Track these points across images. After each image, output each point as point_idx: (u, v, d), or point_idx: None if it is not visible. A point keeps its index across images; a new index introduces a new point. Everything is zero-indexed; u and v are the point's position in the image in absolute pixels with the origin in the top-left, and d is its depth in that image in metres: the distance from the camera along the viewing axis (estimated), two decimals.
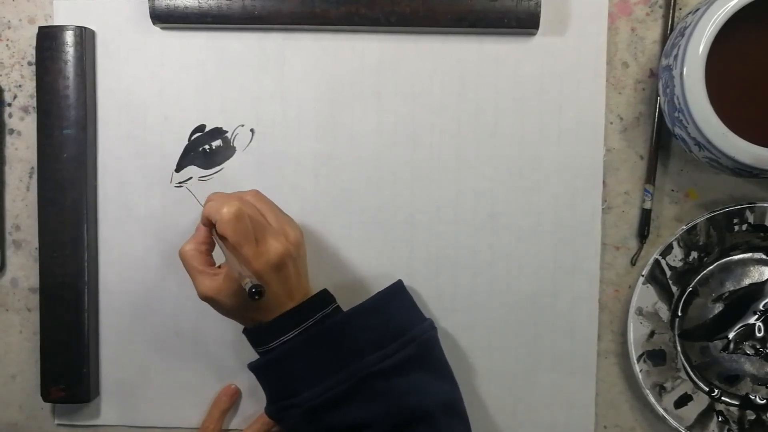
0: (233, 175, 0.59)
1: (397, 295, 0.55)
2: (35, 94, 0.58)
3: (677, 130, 0.52)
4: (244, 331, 0.53)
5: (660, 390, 0.57)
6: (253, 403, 0.60)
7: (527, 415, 0.59)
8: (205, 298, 0.50)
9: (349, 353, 0.50)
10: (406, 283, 0.57)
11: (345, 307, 0.53)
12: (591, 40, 0.57)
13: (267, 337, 0.51)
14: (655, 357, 0.57)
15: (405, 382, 0.50)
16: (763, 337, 0.57)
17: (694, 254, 0.57)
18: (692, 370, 0.58)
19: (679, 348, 0.58)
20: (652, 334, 0.57)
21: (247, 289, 0.44)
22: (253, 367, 0.53)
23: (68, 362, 0.58)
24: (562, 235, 0.58)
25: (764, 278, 0.58)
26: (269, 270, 0.49)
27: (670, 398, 0.57)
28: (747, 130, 0.49)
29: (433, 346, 0.54)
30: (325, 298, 0.53)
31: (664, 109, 0.53)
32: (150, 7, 0.56)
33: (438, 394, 0.51)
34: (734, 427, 0.57)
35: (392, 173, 0.59)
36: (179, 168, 0.59)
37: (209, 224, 0.50)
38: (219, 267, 0.52)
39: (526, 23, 0.55)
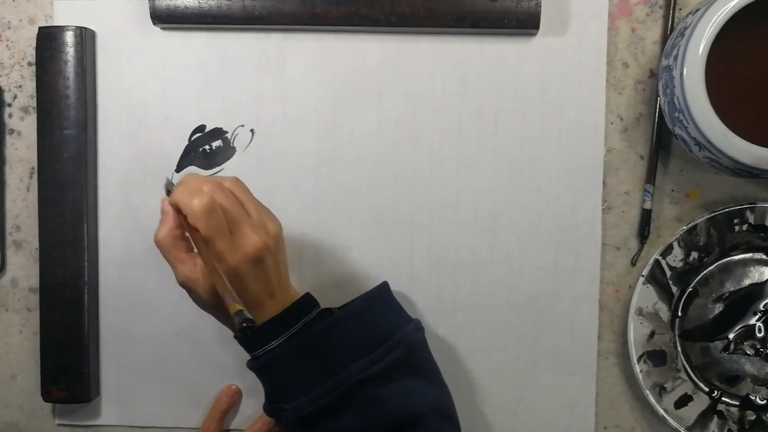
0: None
1: (382, 297, 0.54)
2: (35, 94, 0.58)
3: (677, 131, 0.52)
4: (235, 337, 0.53)
5: (660, 390, 0.57)
6: (253, 403, 0.60)
7: (527, 415, 0.59)
8: (183, 286, 0.49)
9: (335, 360, 0.49)
10: (406, 283, 0.57)
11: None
12: (591, 40, 0.57)
13: (254, 345, 0.50)
14: (656, 357, 0.57)
15: (393, 387, 0.49)
16: (763, 338, 0.57)
17: (694, 254, 0.57)
18: (692, 371, 0.58)
19: (679, 348, 0.58)
20: (652, 334, 0.57)
21: (237, 325, 0.43)
22: (250, 367, 0.52)
23: (68, 362, 0.58)
24: (563, 235, 0.58)
25: (764, 278, 0.58)
26: (246, 264, 0.47)
27: (671, 398, 0.57)
28: (747, 130, 0.49)
29: (420, 349, 0.52)
30: (307, 302, 0.51)
31: (664, 110, 0.53)
32: (150, 8, 0.56)
33: (427, 398, 0.50)
34: (734, 427, 0.57)
35: (393, 173, 0.59)
36: (179, 168, 0.59)
37: (180, 211, 0.48)
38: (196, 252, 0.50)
39: (526, 24, 0.55)
